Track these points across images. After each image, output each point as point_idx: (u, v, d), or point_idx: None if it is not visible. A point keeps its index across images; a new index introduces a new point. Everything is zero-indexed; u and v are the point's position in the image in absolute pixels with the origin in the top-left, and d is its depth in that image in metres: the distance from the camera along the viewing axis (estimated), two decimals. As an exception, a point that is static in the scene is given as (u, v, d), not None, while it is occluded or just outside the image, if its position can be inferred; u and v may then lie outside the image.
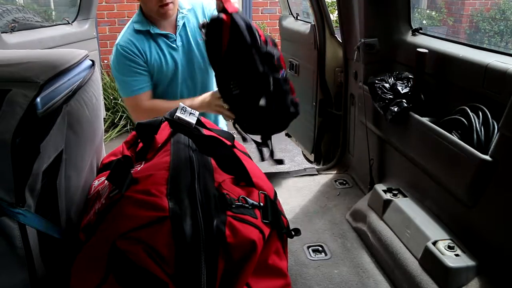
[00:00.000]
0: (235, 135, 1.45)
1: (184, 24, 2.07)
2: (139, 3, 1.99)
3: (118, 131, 5.68)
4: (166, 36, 2.02)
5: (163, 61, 2.02)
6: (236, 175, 1.11)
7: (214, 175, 1.07)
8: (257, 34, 1.76)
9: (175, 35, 2.04)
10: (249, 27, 1.75)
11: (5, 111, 0.86)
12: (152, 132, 1.26)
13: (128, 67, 1.96)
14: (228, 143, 1.23)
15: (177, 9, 2.04)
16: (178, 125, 1.15)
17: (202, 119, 1.28)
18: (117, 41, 1.98)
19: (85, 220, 1.09)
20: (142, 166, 1.15)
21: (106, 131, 5.61)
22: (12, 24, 2.33)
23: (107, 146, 1.73)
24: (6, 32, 2.18)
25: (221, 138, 1.19)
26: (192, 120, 1.19)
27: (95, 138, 1.29)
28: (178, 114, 1.17)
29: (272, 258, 1.06)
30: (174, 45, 2.04)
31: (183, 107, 1.19)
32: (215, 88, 2.00)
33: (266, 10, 6.86)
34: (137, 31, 1.99)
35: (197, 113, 1.22)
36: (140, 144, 1.30)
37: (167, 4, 1.92)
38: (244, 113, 1.91)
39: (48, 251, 0.99)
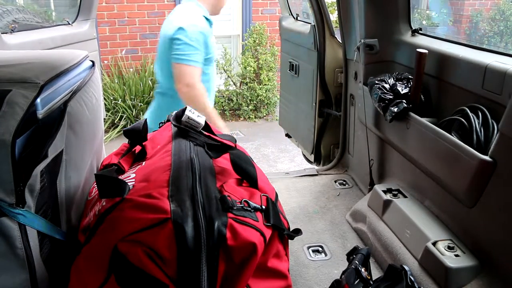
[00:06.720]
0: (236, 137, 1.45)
1: None
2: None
3: (118, 132, 5.68)
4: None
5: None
6: (246, 177, 1.12)
7: (216, 177, 1.07)
8: None
9: None
10: None
11: (5, 112, 0.86)
12: (140, 135, 1.26)
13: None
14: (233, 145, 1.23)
15: None
16: (186, 131, 1.16)
17: None
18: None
19: (84, 221, 1.09)
20: (143, 165, 1.14)
21: (106, 131, 5.61)
22: (12, 25, 2.32)
23: (107, 146, 1.73)
24: (6, 33, 2.18)
25: (225, 141, 1.19)
26: (201, 121, 1.20)
27: (95, 138, 1.29)
28: (187, 113, 1.18)
29: (272, 260, 1.06)
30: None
31: (190, 109, 1.20)
32: None
33: (266, 11, 6.86)
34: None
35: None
36: (139, 147, 1.30)
37: None
38: None
39: (48, 251, 0.99)
